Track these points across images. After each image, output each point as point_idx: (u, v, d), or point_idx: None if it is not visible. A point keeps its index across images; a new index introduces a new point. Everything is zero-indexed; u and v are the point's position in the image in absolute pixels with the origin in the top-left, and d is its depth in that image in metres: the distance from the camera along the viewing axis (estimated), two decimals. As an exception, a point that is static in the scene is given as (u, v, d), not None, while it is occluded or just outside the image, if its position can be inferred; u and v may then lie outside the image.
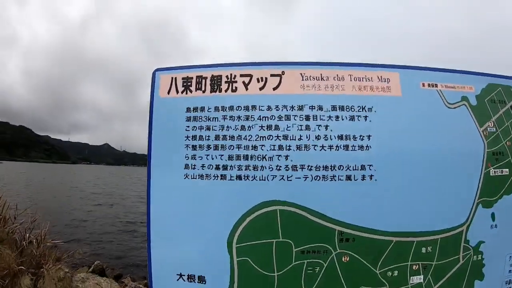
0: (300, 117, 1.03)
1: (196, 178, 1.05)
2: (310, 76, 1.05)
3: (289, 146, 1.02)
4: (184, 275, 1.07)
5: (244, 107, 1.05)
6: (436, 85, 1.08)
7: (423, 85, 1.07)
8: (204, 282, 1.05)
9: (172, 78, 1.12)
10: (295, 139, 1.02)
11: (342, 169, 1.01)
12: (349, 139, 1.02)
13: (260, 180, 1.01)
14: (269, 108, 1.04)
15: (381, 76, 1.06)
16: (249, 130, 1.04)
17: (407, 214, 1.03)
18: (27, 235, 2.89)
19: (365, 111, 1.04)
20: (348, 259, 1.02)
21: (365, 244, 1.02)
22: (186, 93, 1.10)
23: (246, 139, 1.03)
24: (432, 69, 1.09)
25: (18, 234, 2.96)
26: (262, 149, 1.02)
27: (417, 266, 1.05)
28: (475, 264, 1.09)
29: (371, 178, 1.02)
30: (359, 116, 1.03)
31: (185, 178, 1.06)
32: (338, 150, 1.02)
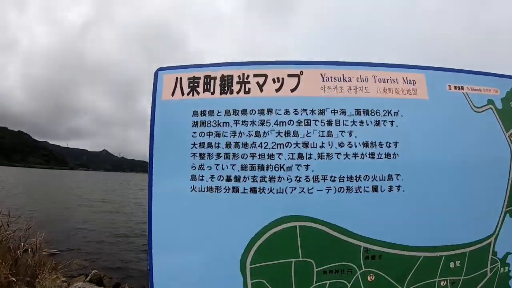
0: (321, 122, 0.86)
1: (204, 191, 0.86)
2: (331, 77, 0.89)
3: (310, 154, 0.85)
4: (191, 300, 0.87)
5: (258, 110, 0.87)
6: (462, 88, 0.94)
7: (449, 87, 0.93)
8: (214, 308, 0.86)
9: (176, 78, 0.93)
10: (316, 147, 0.85)
11: (367, 180, 0.85)
12: (375, 146, 0.86)
13: (277, 192, 0.84)
14: (286, 112, 0.87)
15: (406, 78, 0.91)
16: (265, 136, 0.86)
17: (436, 227, 0.88)
18: (22, 243, 2.60)
19: (391, 115, 0.88)
20: (373, 278, 0.86)
21: (392, 261, 0.86)
22: (193, 95, 0.91)
23: (261, 146, 0.85)
24: (458, 70, 0.95)
25: (12, 243, 2.66)
26: (280, 158, 0.84)
27: (445, 282, 0.90)
28: (502, 276, 0.95)
29: (398, 189, 0.86)
30: (384, 121, 0.88)
31: (191, 191, 0.87)
32: (363, 158, 0.85)
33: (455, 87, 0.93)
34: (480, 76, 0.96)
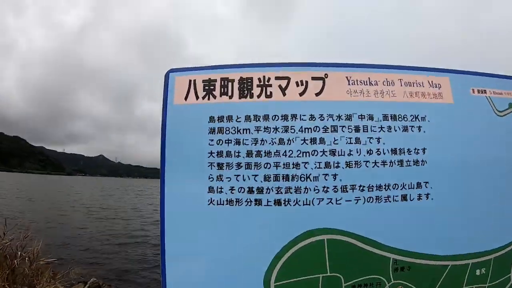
0: (348, 128, 0.78)
1: (223, 204, 0.76)
2: (357, 80, 0.81)
3: (337, 163, 0.76)
4: (209, 323, 0.77)
5: (282, 116, 0.78)
6: (485, 91, 0.89)
7: (473, 91, 0.87)
8: (235, 330, 0.76)
9: (190, 80, 0.82)
10: (344, 155, 0.77)
11: (396, 188, 0.78)
12: (403, 153, 0.79)
13: (304, 204, 0.75)
14: (312, 117, 0.78)
15: (432, 81, 0.84)
16: (289, 144, 0.77)
17: (464, 235, 0.83)
18: (19, 252, 2.38)
19: (418, 120, 0.81)
20: (402, 290, 0.79)
21: (421, 272, 0.80)
22: (209, 99, 0.80)
23: (285, 155, 0.76)
24: (481, 73, 0.90)
25: (9, 252, 2.43)
26: (306, 167, 0.76)
27: (471, 291, 0.85)
28: (523, 281, 0.91)
29: (427, 197, 0.80)
30: (412, 126, 0.81)
31: (209, 204, 0.76)
32: (392, 166, 0.78)
33: (478, 90, 0.88)
34: (501, 80, 0.92)
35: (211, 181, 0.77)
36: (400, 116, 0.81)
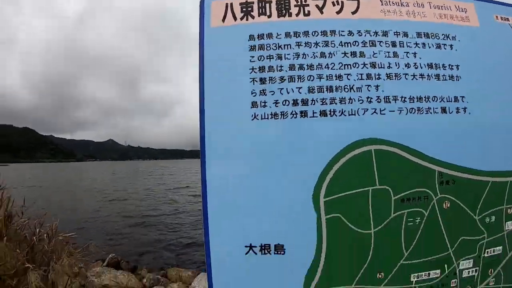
0: (386, 43, 0.80)
1: (267, 118, 0.75)
2: (389, 1, 0.84)
3: (379, 74, 0.78)
4: (255, 247, 0.74)
5: (321, 32, 0.79)
6: (508, 19, 0.94)
7: (497, 17, 0.92)
8: (282, 253, 0.73)
9: (226, 4, 0.83)
10: (384, 67, 0.78)
11: (436, 101, 0.80)
12: (439, 67, 0.82)
13: (349, 115, 0.75)
14: (350, 33, 0.80)
15: (458, 6, 0.89)
16: (330, 57, 0.78)
17: (501, 152, 0.84)
18: (37, 230, 2.24)
19: (450, 39, 0.85)
20: (449, 205, 0.79)
21: (464, 187, 0.80)
22: (247, 19, 0.81)
23: (327, 67, 0.77)
24: (503, 3, 0.95)
25: (27, 230, 2.30)
26: (349, 79, 0.76)
27: (512, 210, 0.85)
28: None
29: (465, 111, 0.81)
30: (445, 44, 0.84)
31: (252, 119, 0.75)
32: (429, 79, 0.80)
33: (501, 18, 0.93)
34: (518, 10, 0.97)
35: (253, 96, 0.76)
36: (432, 34, 0.84)
